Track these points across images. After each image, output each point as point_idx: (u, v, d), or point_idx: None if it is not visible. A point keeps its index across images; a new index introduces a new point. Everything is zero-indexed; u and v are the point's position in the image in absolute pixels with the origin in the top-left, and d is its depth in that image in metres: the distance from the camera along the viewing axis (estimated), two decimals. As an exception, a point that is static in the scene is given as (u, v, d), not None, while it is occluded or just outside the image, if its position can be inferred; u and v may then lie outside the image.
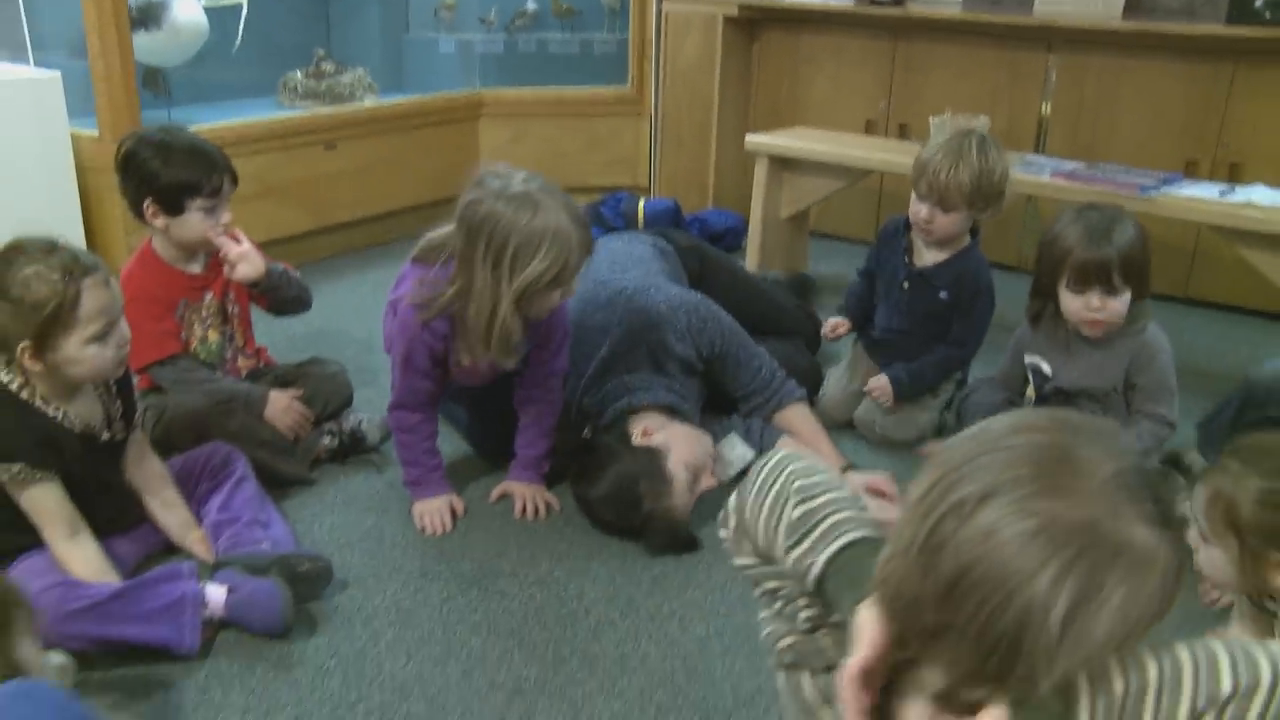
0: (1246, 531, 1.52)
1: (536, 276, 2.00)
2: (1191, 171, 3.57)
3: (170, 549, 2.09)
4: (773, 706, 1.74)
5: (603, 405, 2.31)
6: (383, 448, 2.50)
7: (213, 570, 1.94)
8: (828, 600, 1.05)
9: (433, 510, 2.24)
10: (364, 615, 1.95)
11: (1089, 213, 2.25)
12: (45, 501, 1.85)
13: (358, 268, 3.86)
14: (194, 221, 2.30)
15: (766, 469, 1.17)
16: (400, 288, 2.20)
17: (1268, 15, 3.39)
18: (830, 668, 1.09)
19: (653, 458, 2.17)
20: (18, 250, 1.77)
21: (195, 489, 2.16)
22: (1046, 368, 2.38)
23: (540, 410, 2.32)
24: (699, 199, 4.43)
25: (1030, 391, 2.44)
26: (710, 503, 2.27)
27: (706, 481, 2.23)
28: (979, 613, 0.83)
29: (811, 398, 2.81)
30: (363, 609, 1.97)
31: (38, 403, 1.85)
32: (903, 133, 4.12)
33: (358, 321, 3.33)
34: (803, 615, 1.12)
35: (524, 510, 2.30)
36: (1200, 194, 2.97)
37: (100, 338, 1.81)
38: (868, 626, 0.93)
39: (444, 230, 2.14)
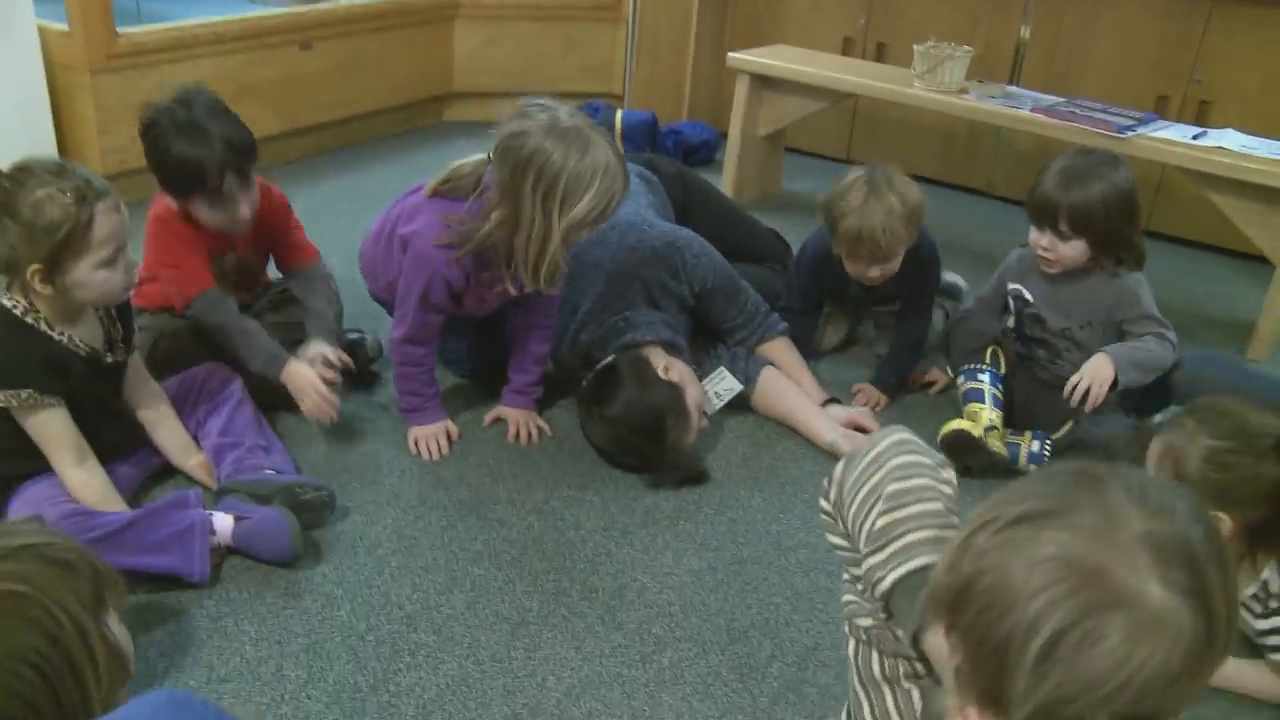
0: (1189, 485, 1.61)
1: (585, 213, 2.02)
2: (1162, 107, 3.64)
3: (168, 471, 2.12)
4: (765, 642, 1.84)
5: (605, 340, 2.35)
6: (371, 369, 2.53)
7: (217, 497, 1.98)
8: (891, 612, 1.11)
9: (428, 435, 2.28)
10: (367, 543, 2.00)
11: (1079, 157, 2.31)
12: (52, 426, 1.86)
13: (334, 172, 3.82)
14: (201, 210, 2.20)
15: (875, 452, 1.18)
16: (413, 222, 2.18)
17: (1249, -45, 3.43)
18: (899, 655, 1.16)
19: (676, 394, 2.23)
20: (26, 171, 1.75)
21: (193, 410, 2.17)
22: (1028, 294, 2.46)
23: (536, 336, 2.36)
24: (673, 109, 4.41)
25: (1010, 319, 2.53)
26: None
27: (702, 421, 2.30)
28: (977, 621, 0.87)
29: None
30: (365, 537, 2.02)
31: (42, 327, 1.85)
32: (880, 52, 4.12)
33: (339, 229, 3.31)
34: (876, 598, 1.18)
35: (517, 435, 2.35)
36: (1173, 136, 3.03)
37: (110, 262, 1.81)
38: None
39: (472, 160, 2.14)
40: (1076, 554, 0.84)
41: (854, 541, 1.17)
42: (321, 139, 3.95)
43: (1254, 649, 1.75)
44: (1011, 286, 2.50)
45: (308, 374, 2.19)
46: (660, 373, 2.25)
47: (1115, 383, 2.24)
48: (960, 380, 2.45)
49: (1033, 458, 2.33)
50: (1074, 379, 2.27)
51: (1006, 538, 0.88)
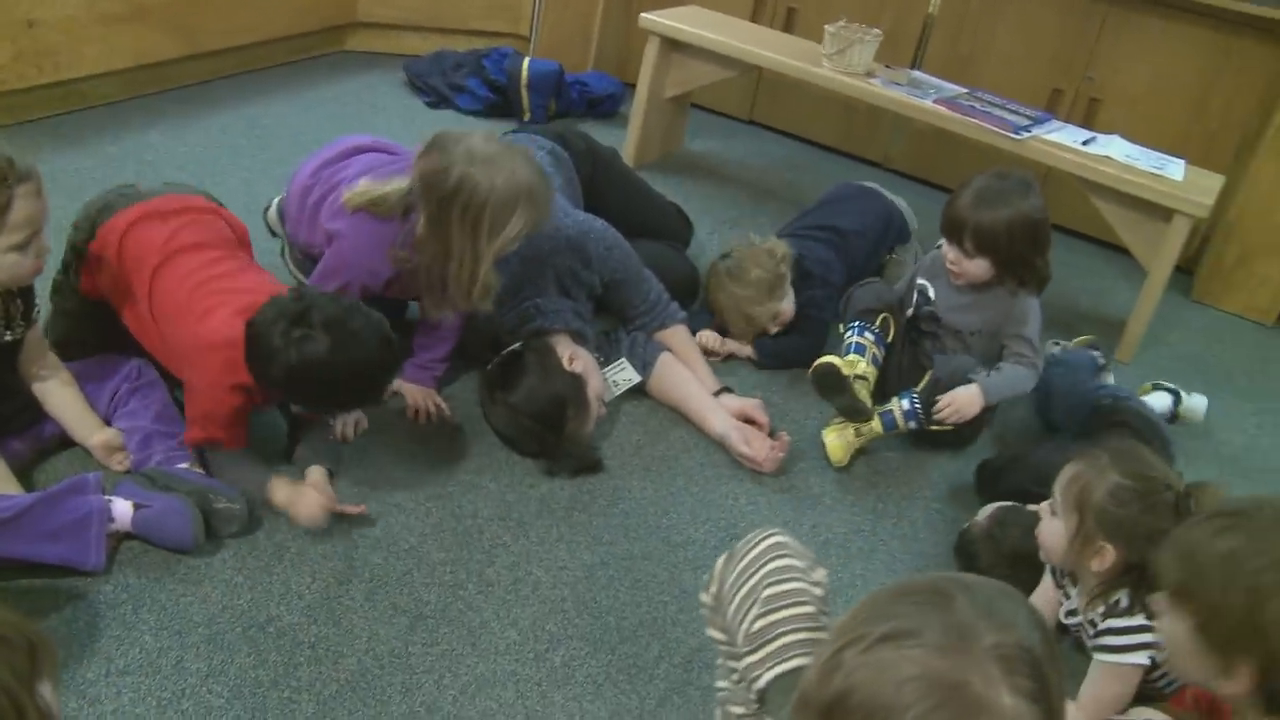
0: (1089, 514, 1.75)
1: (514, 235, 2.10)
2: (1056, 99, 3.77)
3: (64, 444, 2.08)
4: (653, 642, 1.93)
5: (515, 325, 2.39)
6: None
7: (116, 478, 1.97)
8: (768, 707, 1.21)
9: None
10: (267, 526, 2.01)
11: (994, 180, 2.42)
12: None
13: (230, 101, 3.70)
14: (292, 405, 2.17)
15: (753, 555, 1.28)
16: (338, 221, 2.22)
17: (1145, -37, 3.56)
18: None
19: (578, 384, 2.29)
20: None
21: (102, 383, 2.12)
22: (932, 293, 2.58)
23: (448, 321, 2.37)
24: (580, 57, 4.38)
25: (910, 310, 2.65)
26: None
27: (601, 410, 2.36)
28: None
29: (694, 297, 2.95)
30: (265, 518, 2.03)
31: None
32: (790, 17, 4.15)
33: (234, 170, 3.24)
34: (753, 695, 1.28)
35: (415, 413, 2.38)
36: (1065, 140, 3.16)
37: (22, 246, 1.78)
38: None
39: (395, 186, 2.16)
40: (937, 671, 0.95)
41: (732, 638, 1.27)
42: (219, 64, 3.82)
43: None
44: (919, 282, 2.62)
45: (310, 495, 2.01)
46: (565, 363, 2.30)
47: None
48: (848, 334, 2.56)
49: (907, 415, 2.46)
50: (945, 399, 2.42)
51: (873, 657, 0.98)
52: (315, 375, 1.91)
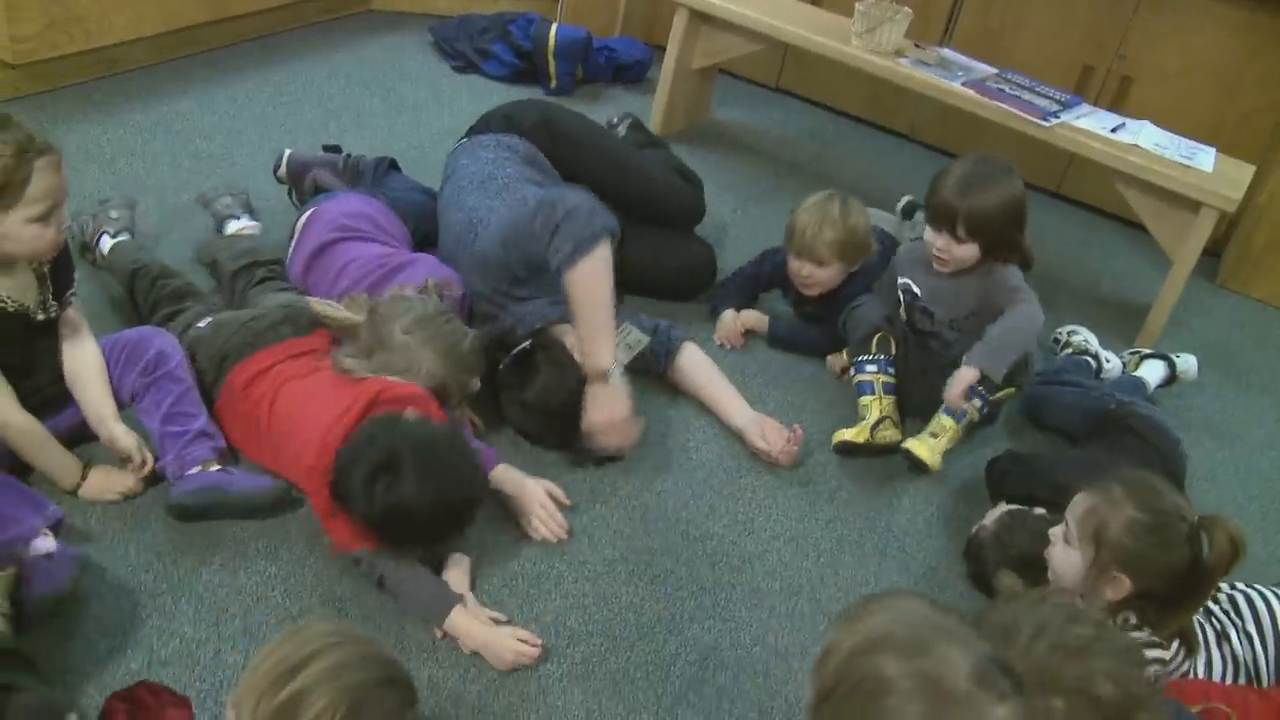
0: (1104, 547, 1.80)
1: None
2: (1087, 77, 3.74)
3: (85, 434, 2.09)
4: (670, 639, 1.99)
5: (507, 333, 2.41)
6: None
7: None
8: None
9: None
10: (298, 517, 2.07)
11: (977, 164, 2.45)
12: None
13: (255, 65, 3.70)
14: None
15: None
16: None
17: (1185, -61, 3.52)
18: None
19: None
20: None
21: (123, 374, 2.11)
22: (916, 288, 2.60)
23: None
24: (607, 19, 4.35)
25: (902, 311, 2.68)
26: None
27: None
28: None
29: (710, 283, 2.96)
30: (296, 508, 2.08)
31: None
32: (821, -13, 4.11)
33: (263, 140, 3.26)
34: None
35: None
36: (1093, 127, 3.14)
37: (43, 218, 1.84)
38: None
39: (349, 318, 2.22)
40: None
41: None
42: (246, 26, 3.81)
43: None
44: (901, 281, 2.64)
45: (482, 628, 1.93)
46: (575, 355, 2.33)
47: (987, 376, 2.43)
48: (854, 372, 2.62)
49: (971, 393, 2.44)
50: (947, 389, 2.45)
51: None
52: (403, 519, 1.88)
